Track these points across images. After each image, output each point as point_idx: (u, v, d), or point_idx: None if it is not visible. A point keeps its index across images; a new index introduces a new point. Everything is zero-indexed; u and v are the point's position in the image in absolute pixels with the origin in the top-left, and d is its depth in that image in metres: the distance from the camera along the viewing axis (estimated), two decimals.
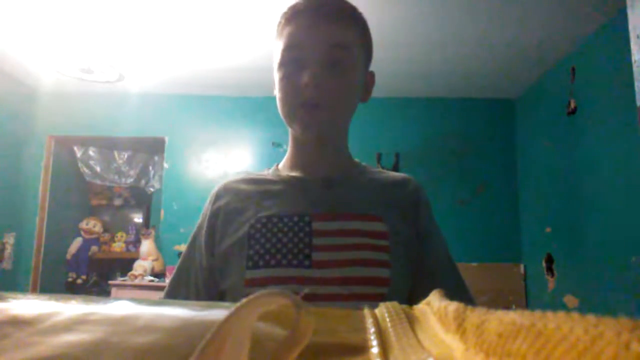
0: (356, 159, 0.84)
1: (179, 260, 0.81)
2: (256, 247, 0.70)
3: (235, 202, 0.76)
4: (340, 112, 0.74)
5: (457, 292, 0.76)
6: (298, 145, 0.80)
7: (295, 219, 0.72)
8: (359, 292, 0.67)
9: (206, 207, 0.80)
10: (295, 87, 0.70)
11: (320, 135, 0.74)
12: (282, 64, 0.72)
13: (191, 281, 0.77)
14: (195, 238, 0.80)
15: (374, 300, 0.68)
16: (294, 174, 0.79)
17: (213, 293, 0.75)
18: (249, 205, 0.75)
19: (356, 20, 0.74)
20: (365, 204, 0.75)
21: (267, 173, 0.82)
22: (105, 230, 4.01)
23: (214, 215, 0.77)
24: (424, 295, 0.78)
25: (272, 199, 0.75)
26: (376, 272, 0.69)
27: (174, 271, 0.81)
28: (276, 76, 0.74)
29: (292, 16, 0.72)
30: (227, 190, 0.79)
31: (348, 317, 0.27)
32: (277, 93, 0.75)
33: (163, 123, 3.53)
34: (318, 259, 0.69)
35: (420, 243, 0.76)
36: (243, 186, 0.79)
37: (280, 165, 0.84)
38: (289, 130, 0.79)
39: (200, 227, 0.79)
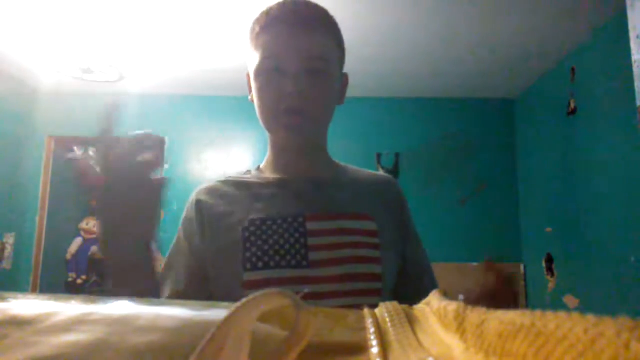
0: (335, 159, 0.86)
1: (164, 264, 0.79)
2: (253, 250, 0.70)
3: (221, 205, 0.76)
4: (321, 118, 0.76)
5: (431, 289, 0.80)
6: (279, 150, 0.81)
7: (290, 220, 0.73)
8: (356, 288, 0.70)
9: (189, 210, 0.79)
10: (277, 94, 0.71)
11: (304, 141, 0.76)
12: (262, 73, 0.73)
13: (180, 276, 0.76)
14: (180, 241, 0.78)
15: (371, 295, 0.71)
16: (279, 176, 0.80)
17: (204, 293, 0.74)
18: (237, 209, 0.75)
19: (331, 28, 0.75)
20: (355, 204, 0.77)
21: (251, 176, 0.82)
22: None
23: (200, 217, 0.76)
24: (405, 291, 0.81)
25: (263, 202, 0.76)
26: (370, 268, 0.72)
27: (162, 268, 0.79)
28: (254, 84, 0.75)
29: (268, 25, 0.72)
30: (210, 193, 0.79)
31: (348, 317, 0.27)
32: (256, 100, 0.76)
33: (163, 123, 3.53)
34: (315, 258, 0.70)
35: (404, 241, 0.81)
36: (227, 189, 0.79)
37: (262, 168, 0.84)
38: (268, 136, 0.80)
39: (186, 231, 0.78)
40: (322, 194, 0.77)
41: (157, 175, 0.60)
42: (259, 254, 0.70)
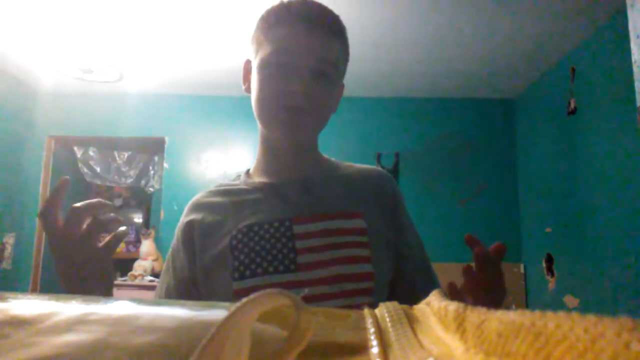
0: (325, 155, 0.85)
1: (159, 281, 0.81)
2: (241, 258, 0.70)
3: (211, 215, 0.76)
4: (320, 121, 0.76)
5: (430, 284, 0.80)
6: (271, 149, 0.79)
7: (276, 224, 0.72)
8: (346, 289, 0.69)
9: (179, 224, 0.80)
10: (280, 90, 0.70)
11: (299, 141, 0.75)
12: (269, 65, 0.71)
13: (173, 297, 0.77)
14: (171, 256, 0.79)
15: (362, 295, 0.70)
16: (267, 180, 0.79)
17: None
18: (226, 218, 0.75)
19: (344, 37, 0.75)
20: (342, 202, 0.76)
21: (239, 182, 0.82)
22: None
23: (189, 228, 0.76)
24: (403, 286, 0.80)
25: (250, 208, 0.75)
26: (360, 268, 0.71)
27: (157, 291, 0.80)
28: (257, 74, 0.73)
29: (285, 18, 0.71)
30: (200, 206, 0.79)
31: (348, 317, 0.27)
32: (255, 91, 0.74)
33: (163, 123, 3.53)
34: (303, 261, 0.70)
35: (398, 235, 0.79)
36: (216, 199, 0.79)
37: (252, 171, 0.84)
38: (260, 134, 0.79)
39: (175, 245, 0.78)
40: (309, 195, 0.76)
41: (111, 227, 0.62)
42: (247, 261, 0.70)
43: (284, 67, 0.70)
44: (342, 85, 0.81)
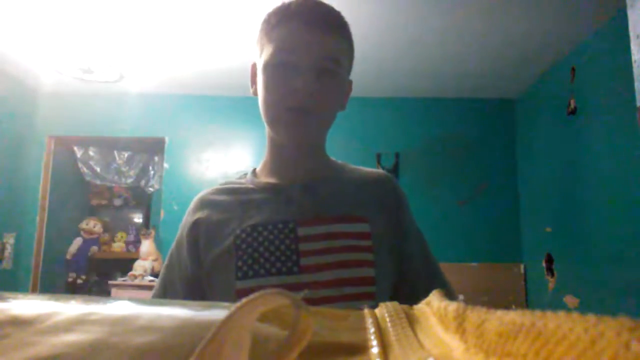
0: (332, 157, 0.84)
1: (160, 276, 0.81)
2: (244, 258, 0.70)
3: (216, 214, 0.76)
4: (326, 120, 0.75)
5: (439, 287, 0.78)
6: (277, 149, 0.79)
7: (280, 226, 0.72)
8: (348, 292, 0.69)
9: (185, 220, 0.80)
10: (284, 90, 0.70)
11: (305, 141, 0.75)
12: (272, 65, 0.71)
13: (177, 295, 0.77)
14: (175, 252, 0.79)
15: (364, 299, 0.69)
16: (274, 180, 0.79)
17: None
18: (231, 216, 0.75)
19: (346, 33, 0.75)
20: (347, 206, 0.76)
21: (246, 181, 0.82)
22: (105, 230, 4.01)
23: (194, 227, 0.76)
24: (408, 291, 0.79)
25: (255, 208, 0.75)
26: (362, 272, 0.71)
27: (157, 285, 0.80)
28: (261, 75, 0.73)
29: (286, 18, 0.71)
30: (206, 203, 0.79)
31: (348, 317, 0.27)
32: (260, 93, 0.74)
33: (163, 123, 3.53)
34: (306, 264, 0.70)
35: (402, 240, 0.78)
36: (222, 197, 0.79)
37: (258, 171, 0.83)
38: (267, 134, 0.79)
39: (180, 241, 0.78)
40: (314, 198, 0.76)
41: None
42: (250, 261, 0.70)
43: (286, 67, 0.70)
44: (350, 82, 0.80)
